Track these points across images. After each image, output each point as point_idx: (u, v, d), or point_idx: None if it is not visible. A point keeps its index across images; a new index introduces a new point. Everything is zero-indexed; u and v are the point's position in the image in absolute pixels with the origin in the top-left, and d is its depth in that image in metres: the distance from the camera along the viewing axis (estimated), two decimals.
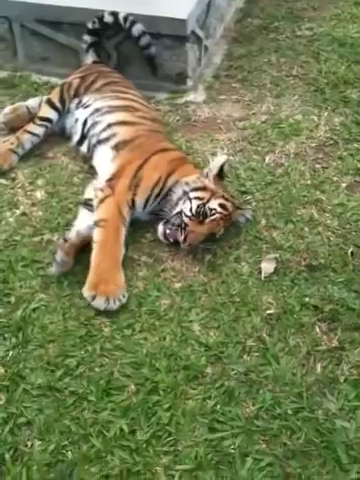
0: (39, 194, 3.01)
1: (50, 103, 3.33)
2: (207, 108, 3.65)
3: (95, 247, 2.56)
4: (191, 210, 2.65)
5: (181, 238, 2.64)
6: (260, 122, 3.51)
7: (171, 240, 2.69)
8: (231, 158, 3.23)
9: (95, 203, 2.73)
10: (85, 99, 3.29)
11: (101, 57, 3.70)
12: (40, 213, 2.91)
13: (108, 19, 3.52)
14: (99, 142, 3.04)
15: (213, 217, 2.64)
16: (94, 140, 3.07)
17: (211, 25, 4.05)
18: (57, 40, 3.79)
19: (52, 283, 2.56)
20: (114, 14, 3.50)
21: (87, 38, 3.64)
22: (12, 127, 3.38)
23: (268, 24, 4.44)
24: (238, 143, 3.36)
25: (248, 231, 2.81)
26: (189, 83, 3.74)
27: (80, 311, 2.45)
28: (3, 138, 3.31)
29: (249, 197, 3.00)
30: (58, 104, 3.32)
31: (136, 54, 3.62)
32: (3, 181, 3.10)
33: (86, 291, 2.45)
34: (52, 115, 3.31)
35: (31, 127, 3.27)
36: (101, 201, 2.71)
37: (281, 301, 2.50)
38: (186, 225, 2.64)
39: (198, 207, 2.65)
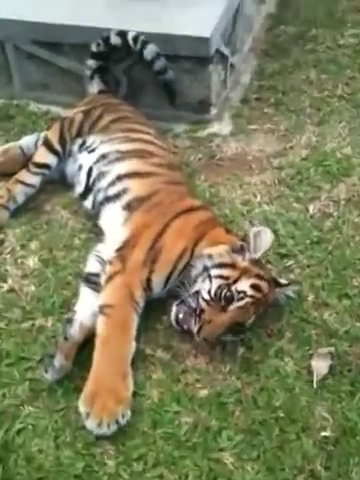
0: (32, 262, 2.46)
1: (48, 145, 2.77)
2: (234, 142, 3.05)
3: (97, 343, 2.01)
4: (210, 292, 2.06)
5: (195, 328, 2.05)
6: (300, 158, 2.91)
7: (185, 327, 2.10)
8: (266, 208, 2.65)
9: (102, 280, 2.19)
10: (90, 140, 2.72)
11: (109, 85, 3.13)
12: (32, 288, 2.36)
13: (115, 40, 2.93)
14: (107, 199, 2.46)
15: (241, 303, 2.03)
16: (101, 196, 2.50)
17: (238, 37, 3.44)
18: (57, 64, 3.23)
19: (43, 391, 2.01)
20: (122, 34, 2.90)
21: (91, 63, 3.06)
22: (3, 172, 2.85)
23: (304, 32, 3.79)
24: (274, 188, 2.76)
25: (292, 311, 2.22)
26: (213, 111, 3.15)
27: (77, 434, 1.89)
28: None
29: (291, 262, 2.41)
30: (57, 146, 2.75)
31: (150, 80, 3.04)
32: None
33: (81, 405, 1.90)
34: (50, 160, 2.75)
35: (25, 176, 2.72)
36: (109, 279, 2.16)
37: (339, 416, 1.91)
38: (202, 311, 2.05)
39: (219, 288, 2.05)
